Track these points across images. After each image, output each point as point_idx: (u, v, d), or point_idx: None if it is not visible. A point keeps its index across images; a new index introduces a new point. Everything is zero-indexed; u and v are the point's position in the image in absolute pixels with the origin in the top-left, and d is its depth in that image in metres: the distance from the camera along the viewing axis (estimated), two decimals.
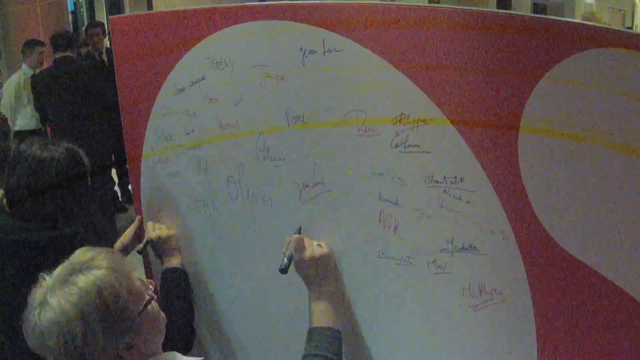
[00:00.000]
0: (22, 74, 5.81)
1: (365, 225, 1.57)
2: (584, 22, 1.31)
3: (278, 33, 1.60)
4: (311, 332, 1.53)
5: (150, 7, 10.73)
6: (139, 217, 2.05)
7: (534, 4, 17.17)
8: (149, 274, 2.06)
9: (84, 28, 4.32)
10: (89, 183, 1.90)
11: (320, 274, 1.58)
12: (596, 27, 1.28)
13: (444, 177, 1.45)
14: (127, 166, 2.05)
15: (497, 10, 1.39)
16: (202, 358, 1.45)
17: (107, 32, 4.40)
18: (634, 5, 19.08)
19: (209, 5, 1.76)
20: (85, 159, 1.88)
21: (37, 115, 5.56)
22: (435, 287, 1.51)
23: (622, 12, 19.77)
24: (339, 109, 1.55)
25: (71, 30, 8.54)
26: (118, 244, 2.04)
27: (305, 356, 1.48)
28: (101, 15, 12.16)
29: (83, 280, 1.25)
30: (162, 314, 1.42)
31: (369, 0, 1.67)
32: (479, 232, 1.44)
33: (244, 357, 1.97)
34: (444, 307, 1.51)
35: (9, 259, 1.78)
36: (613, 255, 1.31)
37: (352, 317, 1.65)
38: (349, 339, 1.66)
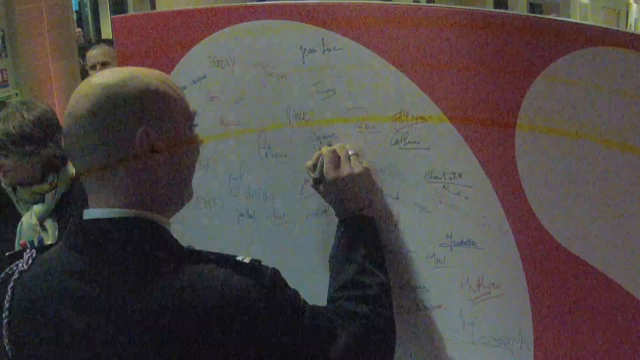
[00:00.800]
0: None
1: None
2: (580, 21, 1.31)
3: (278, 32, 1.60)
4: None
5: (153, 6, 10.74)
6: None
7: (530, 3, 17.16)
8: None
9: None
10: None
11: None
12: (592, 26, 1.28)
13: (443, 173, 1.45)
14: None
15: (494, 10, 1.39)
16: None
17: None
18: (628, 5, 19.08)
19: (211, 5, 1.76)
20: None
21: None
22: (434, 281, 1.51)
23: (616, 11, 19.77)
24: (339, 107, 1.55)
25: (76, 29, 8.52)
26: None
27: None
28: (105, 15, 12.15)
29: None
30: None
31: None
32: (477, 227, 1.44)
33: None
34: (443, 300, 1.51)
35: None
36: (609, 250, 1.31)
37: None
38: None
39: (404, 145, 1.48)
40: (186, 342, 1.03)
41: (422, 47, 1.43)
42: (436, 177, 1.46)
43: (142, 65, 1.87)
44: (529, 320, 1.42)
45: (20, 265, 1.15)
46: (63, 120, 1.17)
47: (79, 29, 9.25)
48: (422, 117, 1.46)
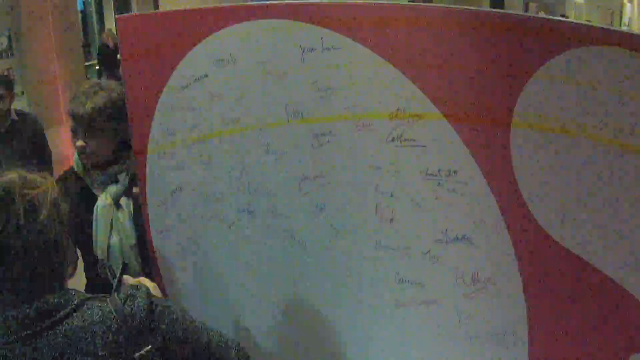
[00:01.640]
0: None
1: (363, 217, 1.57)
2: (575, 20, 1.31)
3: (278, 31, 1.59)
4: None
5: (156, 6, 10.74)
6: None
7: (526, 3, 17.15)
8: (156, 272, 2.05)
9: None
10: None
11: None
12: (586, 25, 1.28)
13: (439, 170, 1.45)
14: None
15: (490, 10, 1.38)
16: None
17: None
18: (622, 4, 19.06)
19: (212, 5, 1.76)
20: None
21: None
22: (430, 277, 1.51)
23: (610, 11, 19.76)
24: (337, 105, 1.55)
25: (81, 29, 8.52)
26: None
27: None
28: (109, 15, 12.15)
29: None
30: None
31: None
32: (472, 223, 1.44)
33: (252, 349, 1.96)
34: (438, 295, 1.51)
35: None
36: (602, 246, 1.31)
37: (349, 305, 1.65)
38: (345, 325, 1.66)
39: (401, 142, 1.48)
40: None
41: (419, 46, 1.42)
42: (432, 174, 1.46)
43: (146, 64, 1.88)
44: (524, 315, 1.41)
45: None
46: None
47: None
48: (418, 115, 1.45)
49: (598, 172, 1.29)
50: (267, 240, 1.75)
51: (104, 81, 2.15)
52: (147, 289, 1.32)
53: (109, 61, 9.72)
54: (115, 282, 1.52)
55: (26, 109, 5.75)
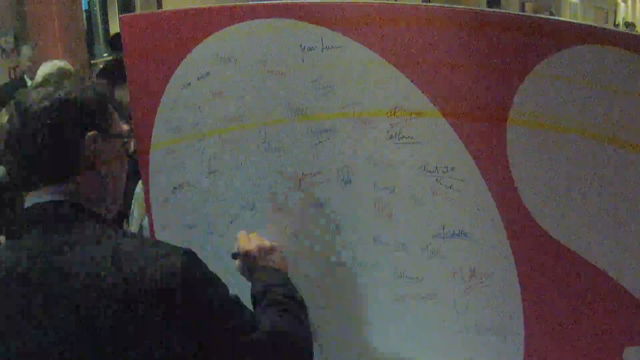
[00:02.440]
0: None
1: (362, 212, 1.57)
2: (570, 20, 1.31)
3: (279, 31, 1.59)
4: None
5: (160, 6, 10.73)
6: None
7: (522, 3, 17.13)
8: None
9: None
10: None
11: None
12: (582, 25, 1.28)
13: (436, 167, 1.45)
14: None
15: (487, 9, 1.38)
16: None
17: None
18: (616, 4, 19.05)
19: (215, 5, 1.76)
20: None
21: None
22: (428, 271, 1.51)
23: (605, 10, 19.75)
24: (336, 102, 1.55)
25: (85, 28, 8.51)
26: None
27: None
28: (113, 14, 12.13)
29: None
30: None
31: None
32: (469, 219, 1.44)
33: None
34: (436, 290, 1.51)
35: None
36: (598, 241, 1.31)
37: (348, 300, 1.65)
38: (345, 320, 1.66)
39: (399, 139, 1.48)
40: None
41: (418, 45, 1.42)
42: (430, 171, 1.46)
43: (149, 62, 1.88)
44: (520, 308, 1.42)
45: None
46: None
47: None
48: (416, 113, 1.45)
49: (593, 168, 1.29)
50: (268, 236, 1.75)
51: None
52: None
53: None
54: None
55: None
